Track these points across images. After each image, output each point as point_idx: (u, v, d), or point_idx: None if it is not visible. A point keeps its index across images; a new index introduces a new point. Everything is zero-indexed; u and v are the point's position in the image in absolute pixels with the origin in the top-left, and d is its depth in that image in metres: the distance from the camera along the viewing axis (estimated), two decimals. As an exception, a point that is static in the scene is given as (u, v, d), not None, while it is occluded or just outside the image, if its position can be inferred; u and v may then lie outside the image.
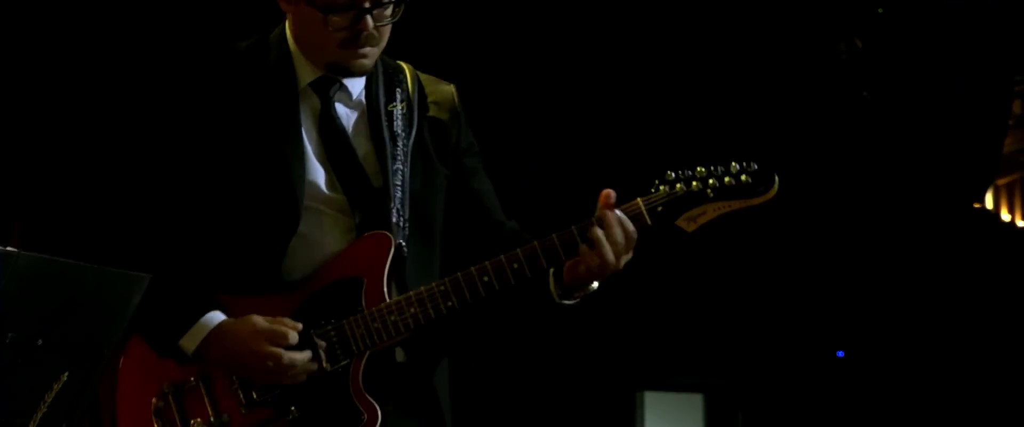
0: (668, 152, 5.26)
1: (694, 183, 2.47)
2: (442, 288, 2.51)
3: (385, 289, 2.53)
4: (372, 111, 2.66)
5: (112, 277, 2.36)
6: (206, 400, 2.53)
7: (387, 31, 2.60)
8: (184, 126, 2.58)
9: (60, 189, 4.56)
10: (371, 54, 2.60)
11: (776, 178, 2.44)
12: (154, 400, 2.53)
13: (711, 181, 2.48)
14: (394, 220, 2.58)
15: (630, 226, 2.49)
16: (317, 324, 2.54)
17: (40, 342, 2.27)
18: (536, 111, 5.22)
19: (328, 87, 2.64)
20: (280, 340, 2.49)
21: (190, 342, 2.52)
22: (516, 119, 5.10)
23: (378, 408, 2.50)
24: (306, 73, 2.65)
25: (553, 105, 5.29)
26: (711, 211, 2.51)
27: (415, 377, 2.61)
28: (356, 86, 2.67)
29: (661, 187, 2.51)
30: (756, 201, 2.47)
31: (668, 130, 5.34)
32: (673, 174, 2.51)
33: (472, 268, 2.52)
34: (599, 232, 2.48)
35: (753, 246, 5.86)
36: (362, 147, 2.64)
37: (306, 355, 2.49)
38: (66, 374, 2.20)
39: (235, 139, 2.58)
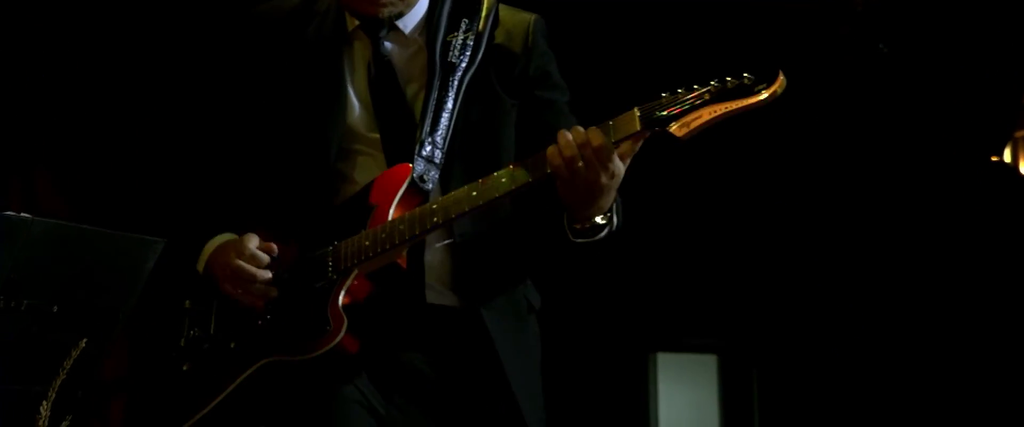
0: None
1: (695, 87, 2.33)
2: (434, 206, 2.50)
3: (391, 214, 2.54)
4: (429, 46, 2.65)
5: (127, 242, 2.39)
6: (212, 319, 2.62)
7: None
8: (235, 74, 2.65)
9: (55, 150, 4.60)
10: (390, 2, 2.61)
11: (780, 75, 2.23)
12: (173, 316, 2.64)
13: (711, 83, 2.33)
14: (426, 152, 2.57)
15: (596, 132, 2.37)
16: (321, 246, 2.58)
17: (56, 308, 2.31)
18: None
19: (378, 28, 2.64)
20: (243, 255, 2.55)
21: (201, 263, 2.61)
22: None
23: (345, 319, 2.48)
24: (350, 23, 2.70)
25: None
26: (706, 114, 2.33)
27: (457, 321, 2.61)
28: (410, 22, 2.67)
29: (662, 95, 2.39)
30: (752, 100, 2.29)
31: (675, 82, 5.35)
32: (681, 87, 2.38)
33: (466, 184, 2.51)
34: (557, 144, 2.41)
35: (767, 205, 5.88)
36: (414, 85, 2.65)
37: (266, 274, 2.54)
38: (85, 341, 2.23)
39: (282, 87, 2.63)
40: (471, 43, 2.64)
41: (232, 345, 2.58)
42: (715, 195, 5.75)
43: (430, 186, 2.58)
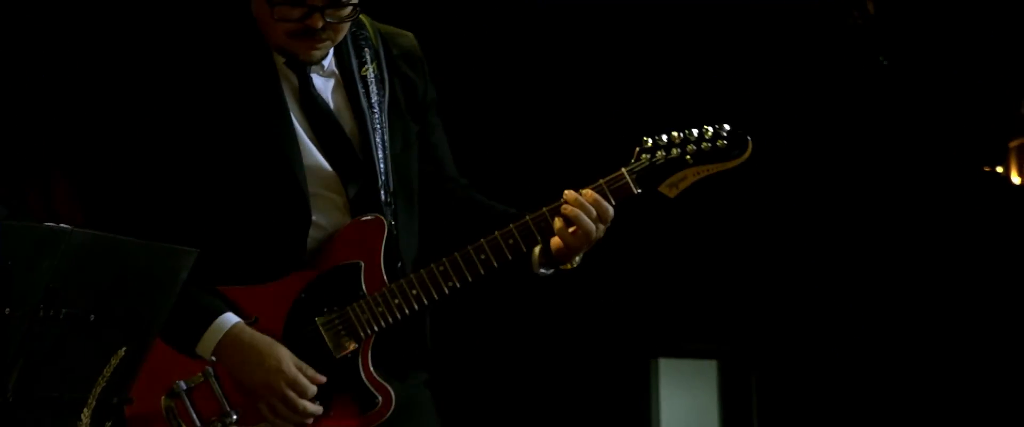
0: (678, 119, 5.31)
1: (674, 150, 2.53)
2: (442, 269, 2.53)
3: (383, 272, 2.55)
4: (347, 79, 2.62)
5: (161, 252, 2.39)
6: (216, 394, 2.52)
7: (344, 27, 2.54)
8: (171, 111, 2.51)
9: (70, 159, 4.58)
10: (323, 47, 2.55)
11: (749, 141, 2.51)
12: (164, 399, 2.51)
13: (690, 147, 2.53)
14: (383, 198, 2.58)
15: (603, 203, 2.53)
16: (320, 311, 2.55)
17: (92, 318, 2.31)
18: (506, 81, 5.21)
19: (304, 64, 2.59)
20: (300, 392, 2.47)
21: (205, 348, 2.51)
22: (487, 89, 5.09)
23: (391, 389, 2.53)
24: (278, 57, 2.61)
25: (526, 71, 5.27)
26: (691, 176, 2.56)
27: (410, 335, 2.64)
28: (327, 54, 2.62)
29: (643, 155, 2.55)
30: (731, 164, 2.55)
31: (680, 99, 5.37)
32: (650, 140, 2.55)
33: (469, 247, 2.54)
34: (570, 210, 2.52)
35: (767, 213, 5.89)
36: (346, 120, 2.61)
37: (318, 408, 2.49)
38: (124, 349, 2.23)
39: (226, 127, 2.52)
40: (378, 73, 2.63)
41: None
42: (715, 203, 5.77)
43: (397, 231, 2.59)
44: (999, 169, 6.43)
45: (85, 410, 2.16)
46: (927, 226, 6.08)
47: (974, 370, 6.02)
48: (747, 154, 2.53)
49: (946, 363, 6.09)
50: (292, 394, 2.47)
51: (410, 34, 2.74)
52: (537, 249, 2.60)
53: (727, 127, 2.54)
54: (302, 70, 2.58)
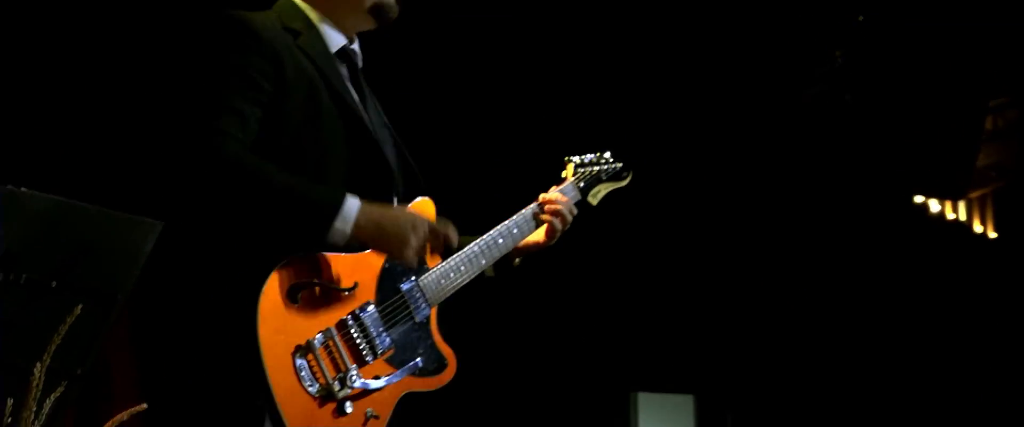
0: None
1: (594, 168, 2.91)
2: (476, 250, 2.64)
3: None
4: (363, 81, 2.67)
5: (125, 223, 2.24)
6: (340, 354, 2.45)
7: None
8: (269, 82, 2.44)
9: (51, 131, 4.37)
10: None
11: (631, 171, 2.95)
12: (296, 360, 2.40)
13: (603, 167, 2.92)
14: (421, 183, 2.63)
15: (570, 202, 2.81)
16: (401, 280, 2.55)
17: (54, 284, 2.15)
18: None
19: (351, 54, 2.62)
20: (441, 234, 2.53)
21: (344, 225, 2.42)
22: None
23: (454, 354, 2.56)
24: (333, 41, 2.60)
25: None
26: (603, 190, 2.92)
27: None
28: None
29: (578, 170, 2.89)
30: (623, 184, 2.97)
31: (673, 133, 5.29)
32: (578, 158, 2.91)
33: (487, 235, 2.67)
34: (554, 206, 2.77)
35: (745, 254, 5.81)
36: (378, 111, 2.67)
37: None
38: (79, 307, 2.06)
39: (315, 107, 2.49)
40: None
41: (376, 377, 2.47)
42: (696, 241, 5.70)
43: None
44: (962, 217, 6.34)
45: (38, 365, 1.99)
46: (898, 273, 6.00)
47: (944, 407, 5.91)
48: (630, 177, 2.96)
49: (912, 400, 5.98)
50: (433, 227, 2.52)
51: None
52: None
53: (609, 155, 2.94)
54: (351, 60, 2.62)
